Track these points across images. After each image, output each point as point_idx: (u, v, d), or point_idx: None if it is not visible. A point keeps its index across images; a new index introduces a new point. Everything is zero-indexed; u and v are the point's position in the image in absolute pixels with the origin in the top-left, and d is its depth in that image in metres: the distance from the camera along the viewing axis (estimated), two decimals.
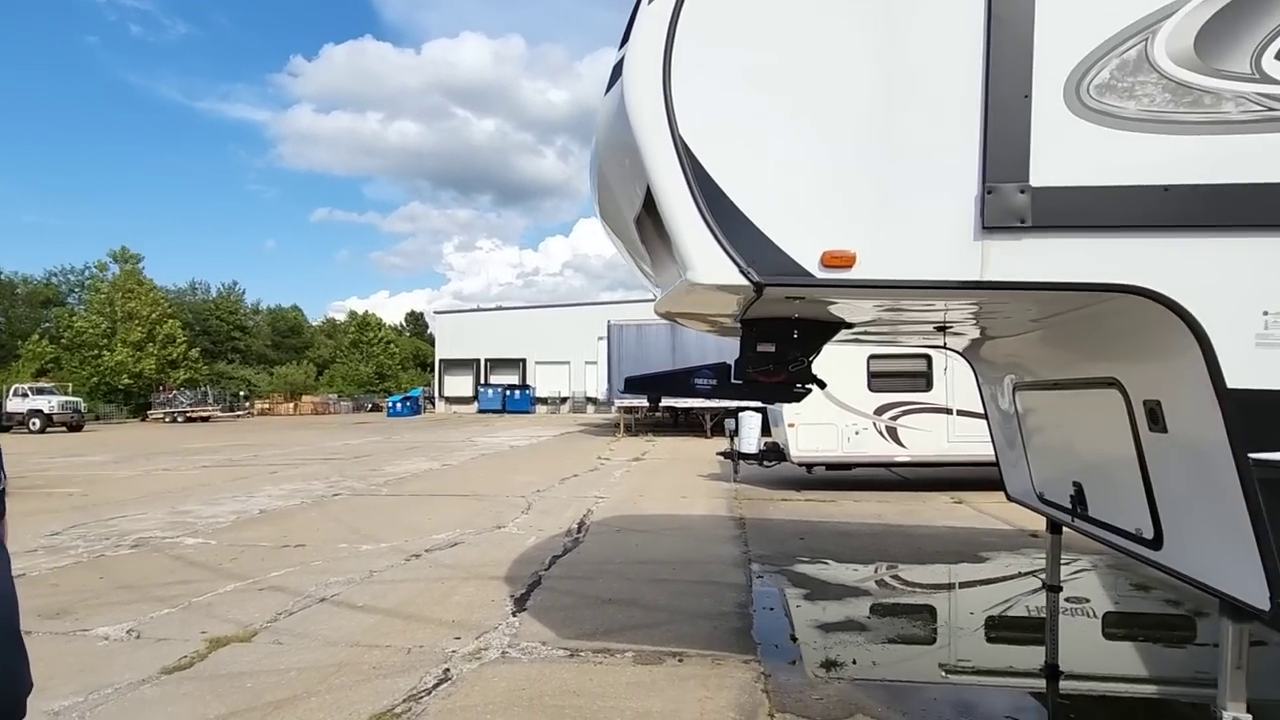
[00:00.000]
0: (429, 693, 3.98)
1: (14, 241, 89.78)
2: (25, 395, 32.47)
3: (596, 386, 36.25)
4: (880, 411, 11.72)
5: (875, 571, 7.02)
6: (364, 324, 67.50)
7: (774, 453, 12.92)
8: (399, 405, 45.78)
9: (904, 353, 11.11)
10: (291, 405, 50.41)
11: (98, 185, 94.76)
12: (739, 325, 3.46)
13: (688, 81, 2.40)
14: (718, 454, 14.26)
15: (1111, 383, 2.81)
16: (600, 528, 8.71)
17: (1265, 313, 2.13)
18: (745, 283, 2.39)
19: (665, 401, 25.04)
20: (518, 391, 47.31)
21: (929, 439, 11.53)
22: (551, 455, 18.64)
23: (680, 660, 4.46)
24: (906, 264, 2.30)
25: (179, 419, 39.64)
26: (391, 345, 67.85)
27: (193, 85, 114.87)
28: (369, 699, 3.88)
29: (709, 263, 2.41)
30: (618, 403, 26.02)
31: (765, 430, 13.82)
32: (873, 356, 11.53)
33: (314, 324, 75.54)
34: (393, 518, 9.41)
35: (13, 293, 50.31)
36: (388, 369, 64.83)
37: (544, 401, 48.54)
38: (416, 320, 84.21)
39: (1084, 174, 2.20)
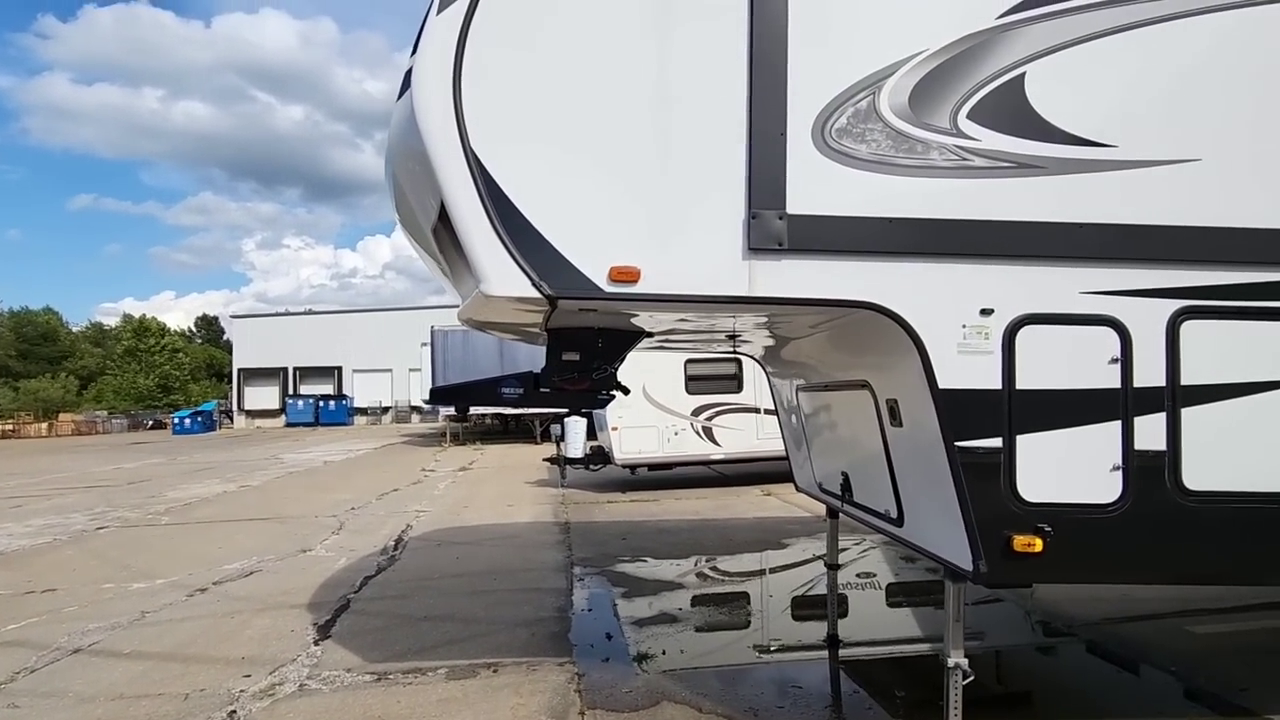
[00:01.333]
0: None
1: None
2: None
3: (421, 395, 34.72)
4: (697, 413, 12.41)
5: (691, 565, 7.42)
6: (142, 329, 58.94)
7: (599, 456, 13.18)
8: (188, 421, 40.57)
9: (716, 356, 11.85)
10: (45, 426, 42.95)
11: None
12: (545, 334, 3.53)
13: (478, 93, 2.43)
14: (544, 459, 14.27)
15: (864, 385, 3.24)
16: (419, 543, 8.38)
17: (963, 326, 2.59)
18: (538, 295, 2.46)
19: (492, 410, 24.60)
20: (333, 402, 43.95)
21: (741, 437, 12.39)
22: (370, 469, 17.59)
23: (495, 671, 4.44)
24: (685, 280, 2.51)
25: None
26: (179, 354, 59.95)
27: None
28: None
29: (502, 275, 2.46)
30: (444, 411, 25.13)
31: (591, 434, 14.07)
32: (689, 361, 12.18)
33: (75, 329, 65.04)
34: (174, 549, 8.38)
35: None
36: (174, 380, 57.12)
37: (364, 412, 45.55)
38: (210, 325, 75.34)
39: (829, 205, 2.53)
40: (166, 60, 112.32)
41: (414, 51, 2.58)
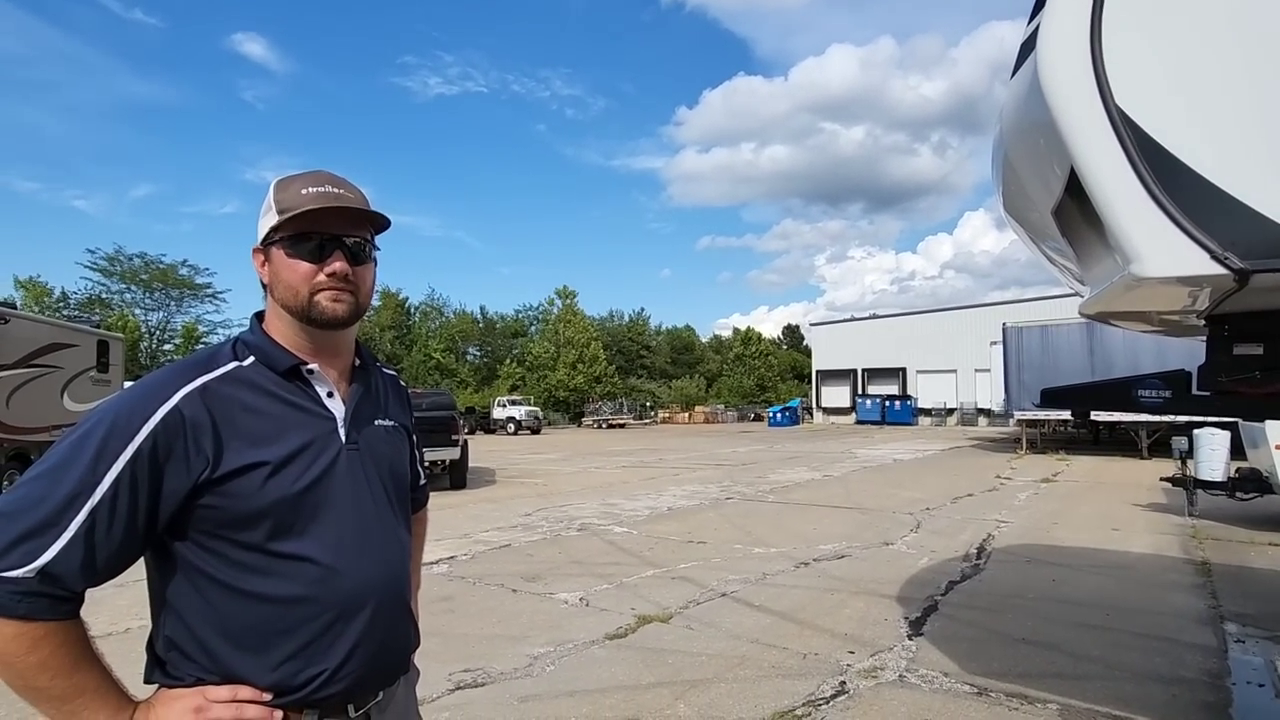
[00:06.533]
0: (827, 702, 4.03)
1: (494, 288, 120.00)
2: (504, 406, 42.64)
3: (990, 397, 32.40)
4: None
5: None
6: (747, 338, 72.00)
7: (1252, 482, 9.90)
8: (779, 415, 47.54)
9: None
10: (686, 415, 56.33)
11: (548, 238, 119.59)
12: (1201, 323, 2.77)
13: (1123, 38, 2.04)
14: (1163, 480, 11.51)
15: None
16: (1004, 555, 7.76)
17: None
18: (1221, 271, 1.90)
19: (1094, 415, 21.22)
20: (897, 402, 45.10)
21: None
22: (939, 471, 17.28)
23: None
24: None
25: (603, 425, 47.51)
26: (770, 358, 70.96)
27: (609, 147, 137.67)
28: (770, 696, 4.11)
29: (1163, 249, 1.99)
30: (1017, 415, 22.89)
31: (1236, 452, 10.69)
32: None
33: (703, 341, 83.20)
34: (779, 524, 9.79)
35: (494, 328, 66.33)
36: (767, 380, 67.96)
37: (927, 413, 45.34)
38: (793, 333, 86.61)
39: None
40: (757, 117, 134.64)
41: (1034, 14, 2.34)
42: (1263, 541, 8.57)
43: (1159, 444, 18.92)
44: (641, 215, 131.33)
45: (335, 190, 1.34)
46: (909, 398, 45.77)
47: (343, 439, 1.36)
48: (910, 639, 5.08)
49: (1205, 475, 10.52)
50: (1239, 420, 10.22)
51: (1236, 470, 10.28)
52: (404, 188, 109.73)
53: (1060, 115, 2.14)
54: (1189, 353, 3.02)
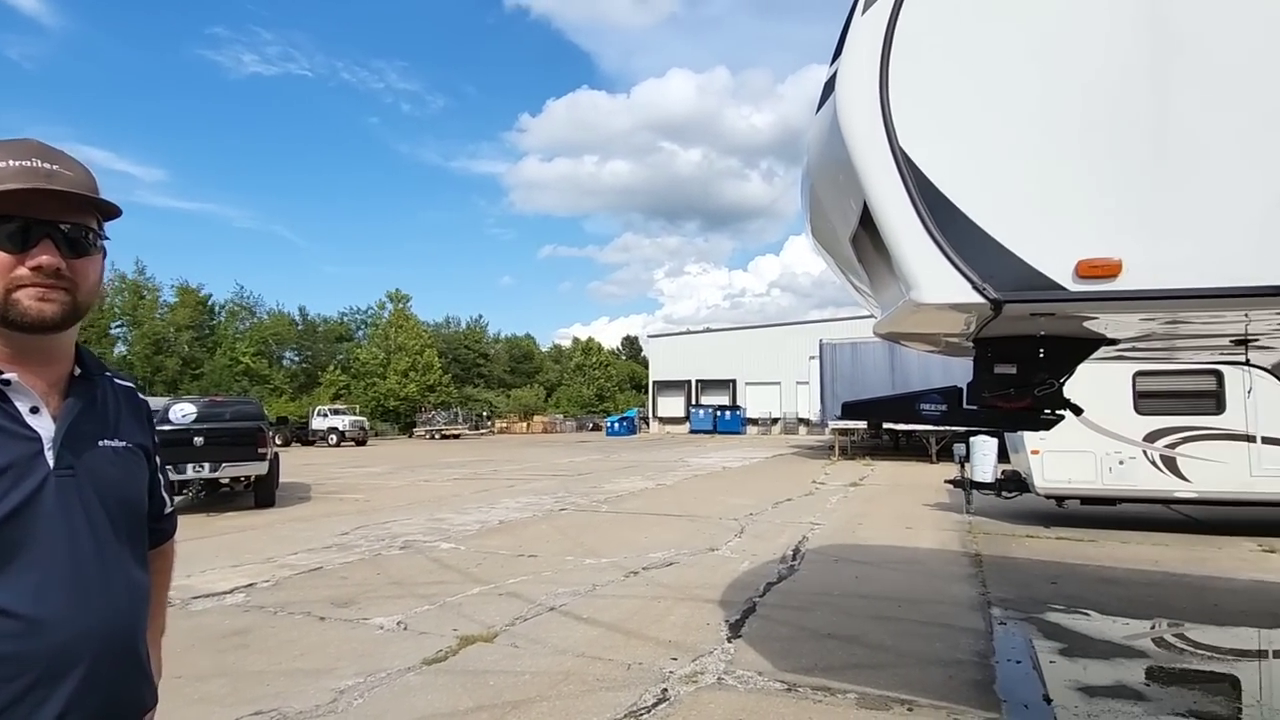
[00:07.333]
0: (648, 711, 4.07)
1: (317, 288, 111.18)
2: (325, 415, 39.46)
3: (809, 408, 35.21)
4: (1153, 438, 9.96)
5: (1154, 629, 5.94)
6: (587, 349, 72.52)
7: (1014, 483, 11.54)
8: (617, 425, 48.29)
9: (1184, 368, 9.37)
10: (524, 425, 55.46)
11: (379, 237, 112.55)
12: (971, 345, 3.14)
13: (906, 88, 2.26)
14: (946, 482, 13.08)
15: None
16: (816, 556, 8.38)
17: None
18: (980, 300, 2.16)
19: (886, 424, 23.57)
20: (728, 412, 47.55)
21: (1223, 472, 9.56)
22: (764, 477, 18.40)
23: (910, 709, 4.11)
24: (1195, 269, 1.93)
25: (436, 436, 45.47)
26: (609, 368, 72.00)
27: (448, 148, 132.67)
28: (593, 710, 4.07)
29: (936, 280, 2.22)
30: (831, 425, 25.05)
31: (1003, 456, 12.42)
32: (1140, 373, 9.88)
33: (543, 350, 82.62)
34: (612, 534, 9.87)
35: (315, 331, 61.46)
36: (606, 390, 68.83)
37: (755, 422, 48.22)
38: (632, 344, 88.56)
39: None
40: (599, 131, 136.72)
41: (834, 58, 2.53)
42: (1022, 534, 9.96)
43: (945, 450, 21.50)
44: (481, 220, 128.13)
45: (46, 166, 1.11)
46: (739, 408, 48.43)
47: (50, 463, 1.12)
48: (730, 641, 5.29)
49: (978, 477, 12.09)
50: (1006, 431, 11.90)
51: (1002, 472, 11.92)
52: (210, 173, 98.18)
53: (854, 153, 2.33)
54: (969, 371, 3.41)
